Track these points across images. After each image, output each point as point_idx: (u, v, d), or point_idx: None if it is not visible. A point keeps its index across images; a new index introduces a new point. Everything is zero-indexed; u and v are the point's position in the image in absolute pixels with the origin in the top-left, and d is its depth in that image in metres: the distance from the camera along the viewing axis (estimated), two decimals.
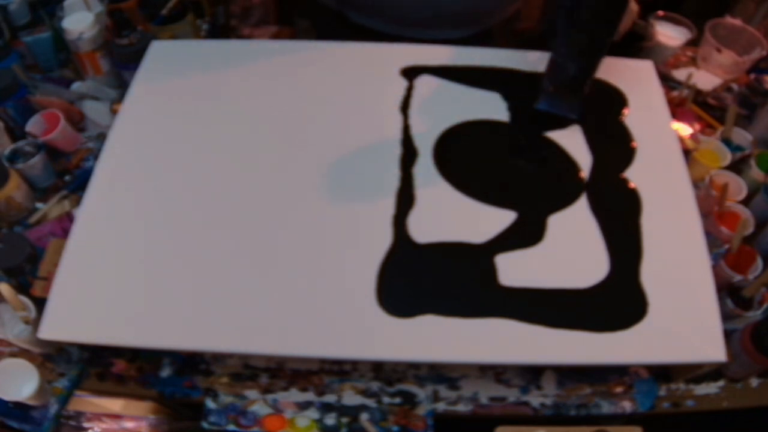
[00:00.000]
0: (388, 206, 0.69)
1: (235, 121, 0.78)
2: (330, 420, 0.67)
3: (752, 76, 0.99)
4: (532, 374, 0.72)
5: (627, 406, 0.70)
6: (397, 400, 0.69)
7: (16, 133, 0.86)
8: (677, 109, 0.94)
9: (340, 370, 0.71)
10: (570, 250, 0.67)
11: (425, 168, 0.73)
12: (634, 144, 0.77)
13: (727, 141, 0.90)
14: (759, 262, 0.75)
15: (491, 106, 0.80)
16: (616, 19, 0.65)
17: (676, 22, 1.05)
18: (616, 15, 0.65)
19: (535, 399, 0.71)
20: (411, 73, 0.83)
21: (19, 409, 0.67)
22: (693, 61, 1.08)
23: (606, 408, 0.70)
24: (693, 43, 1.05)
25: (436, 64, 0.84)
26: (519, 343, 0.61)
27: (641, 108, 0.81)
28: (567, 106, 0.75)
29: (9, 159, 0.81)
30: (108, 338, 0.62)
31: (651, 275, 0.65)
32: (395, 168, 0.73)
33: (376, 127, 0.77)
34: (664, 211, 0.70)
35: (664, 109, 0.81)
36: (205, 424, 0.67)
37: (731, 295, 0.71)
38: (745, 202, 0.82)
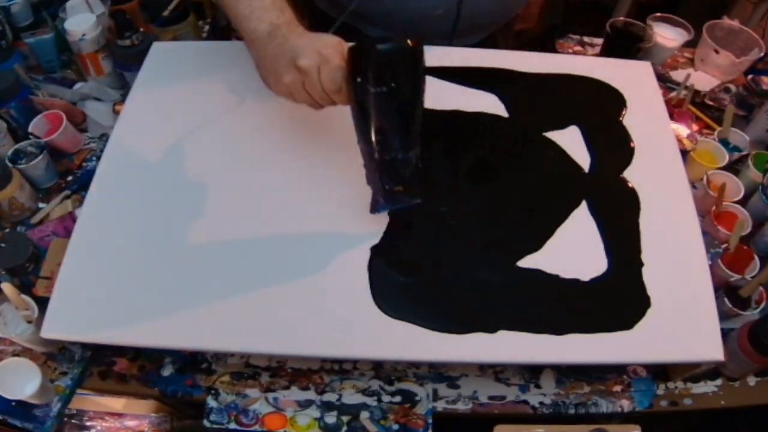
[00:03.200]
0: None
1: (236, 121, 0.78)
2: (330, 418, 0.68)
3: (749, 77, 1.00)
4: (531, 373, 0.73)
5: (625, 404, 0.71)
6: (397, 398, 0.69)
7: (18, 133, 0.87)
8: (675, 110, 0.95)
9: (341, 368, 0.72)
10: (569, 250, 0.68)
11: None
12: (633, 144, 0.77)
13: (724, 141, 0.90)
14: (756, 262, 0.76)
15: (489, 107, 0.81)
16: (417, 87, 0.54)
17: (673, 23, 1.05)
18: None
19: (533, 398, 0.71)
20: None
21: (21, 408, 0.67)
22: (691, 63, 1.08)
23: (604, 406, 0.71)
24: (691, 44, 1.05)
25: (434, 65, 0.84)
26: (518, 343, 0.61)
27: (640, 109, 0.81)
28: (409, 196, 0.62)
29: (11, 159, 0.82)
30: (110, 337, 0.62)
31: (649, 275, 0.66)
32: None
33: None
34: (663, 211, 0.71)
35: (662, 110, 0.81)
36: (206, 423, 0.68)
37: (728, 295, 0.72)
38: (742, 202, 0.83)
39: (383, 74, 0.51)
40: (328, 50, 0.56)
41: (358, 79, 0.53)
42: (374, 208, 0.64)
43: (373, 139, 0.56)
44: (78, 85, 0.95)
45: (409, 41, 0.52)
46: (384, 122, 0.54)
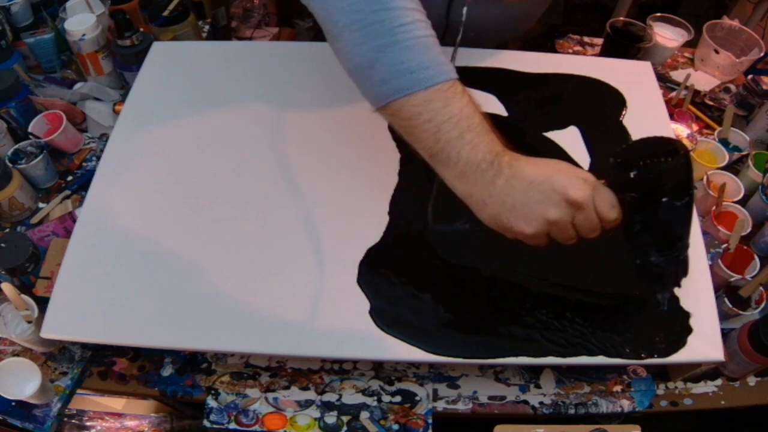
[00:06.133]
0: (387, 207, 0.70)
1: (235, 121, 0.78)
2: (330, 418, 0.68)
3: (749, 77, 1.00)
4: (531, 373, 0.73)
5: (625, 404, 0.71)
6: (397, 398, 0.69)
7: (18, 133, 0.87)
8: (675, 110, 0.95)
9: (341, 368, 0.72)
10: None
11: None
12: None
13: (724, 141, 0.90)
14: (756, 262, 0.76)
15: (489, 107, 0.81)
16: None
17: (673, 23, 1.05)
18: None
19: (533, 398, 0.71)
20: None
21: (21, 408, 0.67)
22: (691, 63, 1.08)
23: (604, 407, 0.71)
24: (691, 44, 1.05)
25: None
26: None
27: (640, 108, 0.81)
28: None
29: (11, 159, 0.82)
30: (110, 337, 0.62)
31: None
32: (395, 169, 0.73)
33: (376, 128, 0.78)
34: None
35: (662, 110, 0.81)
36: (206, 423, 0.68)
37: (728, 295, 0.72)
38: (743, 202, 0.83)
39: (685, 185, 0.51)
40: (588, 176, 0.50)
41: (665, 199, 0.50)
42: (664, 308, 0.59)
43: (670, 247, 0.54)
44: (78, 85, 0.95)
45: (677, 145, 0.50)
46: (684, 228, 0.53)
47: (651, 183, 0.50)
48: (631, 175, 0.49)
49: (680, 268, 0.56)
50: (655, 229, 0.52)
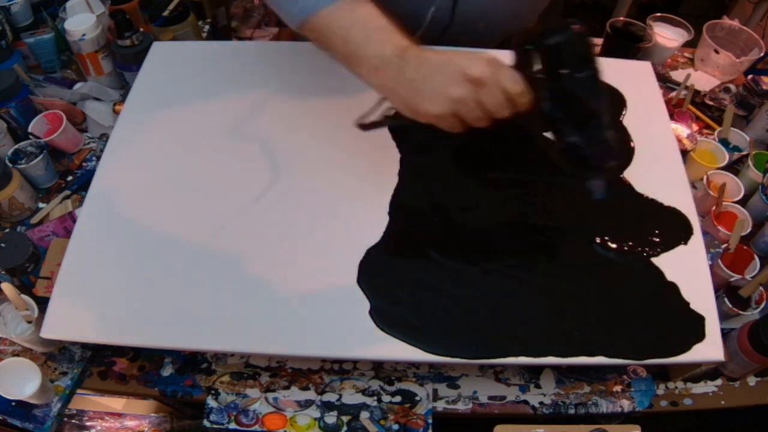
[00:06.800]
0: (387, 207, 0.70)
1: (236, 121, 0.78)
2: (330, 419, 0.68)
3: (749, 77, 1.00)
4: (531, 373, 0.73)
5: (625, 404, 0.71)
6: (397, 398, 0.69)
7: (18, 133, 0.87)
8: (675, 110, 0.95)
9: (341, 368, 0.72)
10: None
11: None
12: (633, 144, 0.77)
13: (724, 141, 0.90)
14: (756, 262, 0.76)
15: None
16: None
17: (673, 23, 1.05)
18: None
19: (533, 398, 0.71)
20: None
21: (21, 408, 0.67)
22: (691, 63, 1.08)
23: (604, 407, 0.71)
24: (691, 44, 1.05)
25: None
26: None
27: (640, 109, 0.81)
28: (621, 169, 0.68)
29: (11, 159, 0.82)
30: (110, 337, 0.62)
31: None
32: (395, 169, 0.73)
33: None
34: None
35: (662, 110, 0.81)
36: (206, 423, 0.68)
37: (728, 295, 0.72)
38: (743, 202, 0.83)
39: (583, 58, 0.53)
40: (491, 57, 0.53)
41: (564, 71, 0.53)
42: (599, 195, 0.60)
43: (584, 124, 0.56)
44: (78, 85, 0.95)
45: (569, 22, 0.53)
46: (595, 102, 0.55)
47: (548, 57, 0.53)
48: (529, 50, 0.53)
49: (604, 150, 0.57)
50: (564, 103, 0.55)
